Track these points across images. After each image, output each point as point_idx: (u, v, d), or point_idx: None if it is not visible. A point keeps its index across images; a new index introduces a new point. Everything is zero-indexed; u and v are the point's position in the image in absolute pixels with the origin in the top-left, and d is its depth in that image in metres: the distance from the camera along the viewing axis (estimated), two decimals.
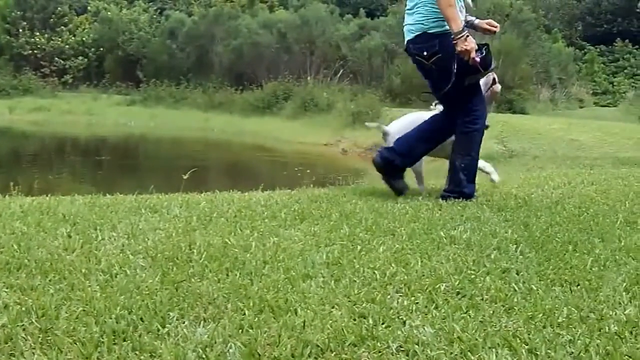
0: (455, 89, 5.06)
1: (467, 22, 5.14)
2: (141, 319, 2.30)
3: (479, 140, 5.23)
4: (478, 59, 4.93)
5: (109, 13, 39.80)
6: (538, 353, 2.09)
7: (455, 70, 4.98)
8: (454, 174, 5.22)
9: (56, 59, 38.64)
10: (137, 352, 2.04)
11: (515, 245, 3.52)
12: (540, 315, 2.44)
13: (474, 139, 5.20)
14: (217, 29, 36.40)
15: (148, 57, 37.88)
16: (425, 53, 5.12)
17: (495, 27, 5.23)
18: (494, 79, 5.41)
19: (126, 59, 38.43)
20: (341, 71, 32.35)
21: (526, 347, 2.14)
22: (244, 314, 2.38)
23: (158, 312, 2.36)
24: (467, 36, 4.90)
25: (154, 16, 41.23)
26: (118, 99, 33.92)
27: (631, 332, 2.29)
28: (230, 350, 2.05)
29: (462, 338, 2.19)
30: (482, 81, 5.28)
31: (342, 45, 34.65)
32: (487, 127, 5.27)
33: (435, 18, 5.04)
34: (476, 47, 4.91)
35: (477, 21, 5.33)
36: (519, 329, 2.30)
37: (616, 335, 2.25)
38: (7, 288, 2.60)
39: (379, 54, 33.79)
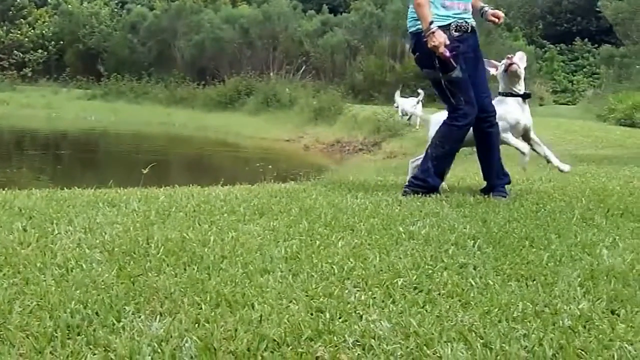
0: (437, 85, 5.20)
1: (480, 8, 5.34)
2: (96, 313, 2.28)
3: (456, 137, 5.28)
4: (448, 54, 4.97)
5: (69, 6, 39.35)
6: (492, 347, 2.11)
7: (437, 66, 5.06)
8: (424, 161, 5.32)
9: (15, 52, 38.12)
10: (91, 347, 2.02)
11: (473, 241, 3.55)
12: (496, 309, 2.46)
13: (452, 135, 5.26)
14: (179, 24, 36.16)
15: (109, 51, 37.54)
16: (411, 51, 5.43)
17: (499, 17, 5.27)
18: (510, 61, 5.51)
19: (87, 53, 38.03)
20: (304, 67, 32.33)
21: (481, 341, 2.16)
22: (201, 308, 2.37)
23: (114, 306, 2.34)
24: (434, 32, 4.94)
25: (115, 10, 40.86)
26: (78, 93, 33.59)
27: (584, 326, 2.32)
28: (186, 345, 2.04)
29: (418, 332, 2.20)
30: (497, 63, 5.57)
31: (304, 41, 34.63)
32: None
33: (411, 17, 5.20)
34: (447, 42, 4.95)
35: (487, 10, 5.41)
36: (475, 323, 2.32)
37: (570, 329, 2.27)
38: None
39: (341, 50, 33.81)
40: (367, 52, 33.17)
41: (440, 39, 4.92)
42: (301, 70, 31.99)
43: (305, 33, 35.22)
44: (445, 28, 5.04)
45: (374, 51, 33.12)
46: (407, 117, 18.49)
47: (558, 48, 39.65)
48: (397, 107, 19.37)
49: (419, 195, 5.03)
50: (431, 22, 4.95)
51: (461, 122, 5.21)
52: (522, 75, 5.52)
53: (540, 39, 40.43)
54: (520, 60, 5.52)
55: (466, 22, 5.18)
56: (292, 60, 33.01)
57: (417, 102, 19.15)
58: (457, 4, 5.15)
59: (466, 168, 7.76)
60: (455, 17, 5.12)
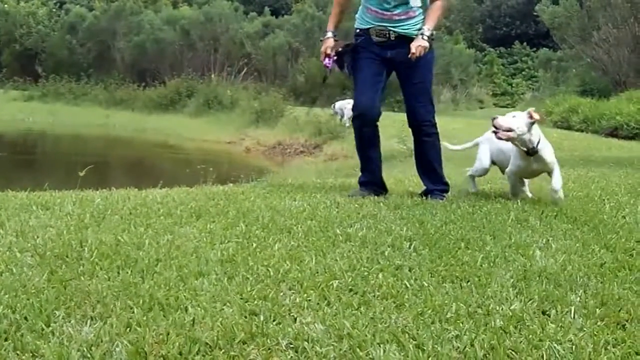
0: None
1: (419, 29, 5.30)
2: (25, 317, 2.24)
3: (355, 131, 5.57)
4: (325, 61, 5.44)
5: (5, 5, 38.56)
6: (425, 348, 2.12)
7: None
8: None
9: None
10: (18, 352, 1.98)
11: (409, 243, 3.57)
12: (430, 311, 2.48)
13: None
14: (119, 25, 35.70)
15: (47, 52, 36.89)
16: None
17: (413, 53, 5.19)
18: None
19: (24, 54, 37.32)
20: (245, 69, 32.21)
21: (414, 342, 2.17)
22: (133, 312, 2.35)
23: (43, 311, 2.30)
24: (323, 39, 5.48)
25: (54, 10, 40.16)
26: (15, 94, 32.93)
27: (516, 327, 2.35)
28: (117, 349, 2.02)
29: (352, 334, 2.21)
30: None
31: (246, 43, 34.49)
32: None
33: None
34: (327, 50, 5.41)
35: (418, 36, 5.28)
36: (408, 325, 2.33)
37: (501, 330, 2.30)
38: None
39: (283, 52, 33.77)
40: (309, 54, 33.18)
41: (322, 47, 5.43)
42: (242, 72, 31.86)
43: (247, 35, 35.09)
44: (365, 32, 5.34)
45: (316, 53, 33.12)
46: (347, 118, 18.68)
47: (498, 51, 40.18)
48: (336, 112, 19.54)
49: (355, 198, 5.07)
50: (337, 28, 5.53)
51: (353, 116, 5.57)
52: (524, 136, 5.01)
53: (480, 42, 40.92)
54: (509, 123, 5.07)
55: (388, 30, 5.27)
56: (233, 62, 32.86)
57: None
58: (380, 12, 5.27)
59: (404, 170, 7.82)
60: (375, 24, 5.29)
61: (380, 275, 2.92)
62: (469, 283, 2.88)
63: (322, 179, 7.08)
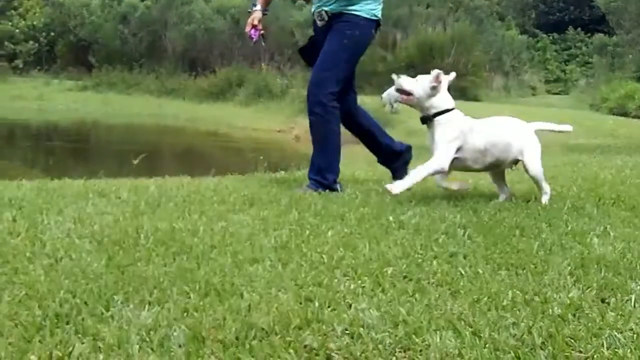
0: None
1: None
2: (85, 302, 2.27)
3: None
4: (253, 32, 5.39)
5: None
6: (482, 335, 2.11)
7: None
8: None
9: (6, 43, 37.87)
10: (79, 336, 2.01)
11: (463, 230, 3.55)
12: (486, 298, 2.46)
13: None
14: (170, 14, 35.98)
15: (100, 43, 37.30)
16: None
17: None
18: None
19: (78, 44, 37.80)
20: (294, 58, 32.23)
21: (470, 329, 2.16)
22: (190, 297, 2.37)
23: (102, 295, 2.34)
24: (249, 10, 5.45)
25: (106, 1, 40.62)
26: (70, 84, 33.38)
27: (574, 315, 2.32)
28: (175, 333, 2.04)
29: (407, 321, 2.20)
30: None
31: (295, 32, 34.53)
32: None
33: None
34: (254, 21, 5.35)
35: None
36: (464, 312, 2.32)
37: (559, 318, 2.27)
38: None
39: None
40: None
41: (249, 19, 5.39)
42: (292, 61, 31.88)
43: (296, 23, 35.11)
44: (313, 17, 5.23)
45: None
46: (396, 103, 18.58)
47: (551, 37, 39.62)
48: (385, 100, 19.46)
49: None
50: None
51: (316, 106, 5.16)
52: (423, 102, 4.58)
53: (533, 28, 40.36)
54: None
55: (325, 11, 5.11)
56: (283, 51, 32.94)
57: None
58: None
59: None
60: (315, 6, 5.19)
61: (434, 263, 2.90)
62: (524, 271, 2.85)
63: (374, 167, 7.05)
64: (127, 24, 36.97)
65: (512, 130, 4.61)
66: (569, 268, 2.88)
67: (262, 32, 5.40)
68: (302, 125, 21.72)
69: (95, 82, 33.01)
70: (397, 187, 4.32)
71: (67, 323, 2.10)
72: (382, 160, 5.49)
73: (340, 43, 5.05)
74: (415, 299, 2.44)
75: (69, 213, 3.69)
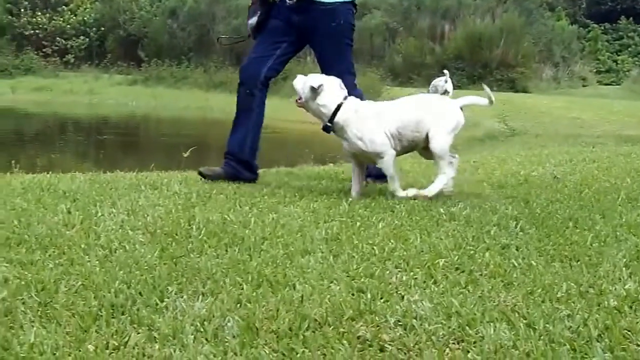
0: None
1: None
2: (140, 293, 2.30)
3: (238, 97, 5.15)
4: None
5: None
6: (536, 327, 2.08)
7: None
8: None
9: (58, 38, 38.48)
10: (135, 326, 2.04)
11: (515, 222, 3.52)
12: (539, 290, 2.43)
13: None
14: (217, 8, 36.26)
15: (149, 37, 37.74)
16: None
17: None
18: None
19: (127, 39, 38.28)
20: None
21: (524, 321, 2.14)
22: (242, 288, 2.38)
23: (156, 286, 2.36)
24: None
25: None
26: (119, 78, 33.83)
27: (631, 307, 2.28)
28: (229, 324, 2.05)
29: (460, 312, 2.19)
30: None
31: None
32: None
33: None
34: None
35: None
36: (518, 303, 2.29)
37: (615, 310, 2.24)
38: (7, 263, 2.61)
39: (379, 32, 33.65)
40: (406, 34, 32.98)
41: None
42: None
43: None
44: None
45: (413, 33, 32.94)
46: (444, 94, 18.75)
47: (602, 27, 39.05)
48: (435, 92, 19.50)
49: (458, 177, 5.00)
50: None
51: (241, 79, 5.12)
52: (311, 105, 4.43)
53: (584, 19, 39.83)
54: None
55: None
56: None
57: (445, 81, 19.28)
58: None
59: (507, 149, 7.70)
60: None
61: (486, 254, 2.88)
62: (579, 262, 2.82)
63: (418, 159, 7.02)
64: (175, 18, 37.32)
65: (421, 108, 4.33)
66: (624, 260, 2.83)
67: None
68: None
69: (144, 76, 33.38)
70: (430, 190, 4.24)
71: (123, 313, 2.13)
72: None
73: (338, 43, 4.93)
74: (468, 291, 2.42)
75: (122, 205, 3.74)
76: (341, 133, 4.26)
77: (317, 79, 4.31)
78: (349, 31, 4.93)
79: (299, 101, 4.38)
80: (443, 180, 4.23)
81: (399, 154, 4.36)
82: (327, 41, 4.83)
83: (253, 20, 5.07)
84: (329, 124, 4.28)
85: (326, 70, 4.81)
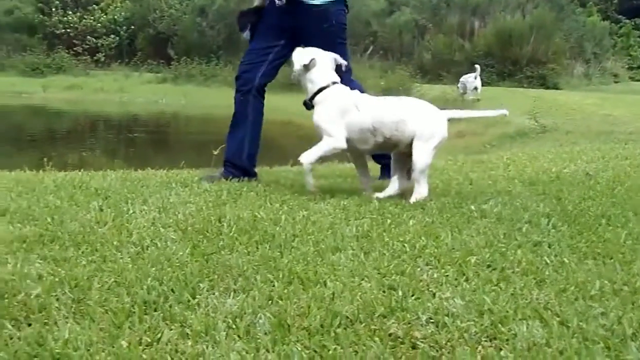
0: None
1: None
2: (172, 290, 2.31)
3: (236, 103, 5.09)
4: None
5: None
6: (570, 325, 2.07)
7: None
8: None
9: (88, 37, 38.73)
10: (167, 322, 2.05)
11: (547, 219, 3.49)
12: (572, 288, 2.42)
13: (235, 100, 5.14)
14: (246, 6, 36.26)
15: (179, 35, 37.85)
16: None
17: None
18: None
19: (157, 37, 38.44)
20: (371, 47, 32.20)
21: (557, 319, 2.12)
22: (274, 285, 2.39)
23: (188, 283, 2.37)
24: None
25: None
26: (149, 76, 33.99)
27: None
28: (260, 321, 2.06)
29: (492, 310, 2.18)
30: None
31: (371, 22, 34.44)
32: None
33: None
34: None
35: None
36: (551, 301, 2.28)
37: None
38: (41, 259, 2.63)
39: (409, 29, 33.56)
40: (436, 31, 32.87)
41: None
42: (368, 51, 31.87)
43: (372, 13, 35.01)
44: None
45: (443, 30, 32.82)
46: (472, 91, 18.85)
47: (634, 23, 38.59)
48: (465, 88, 19.50)
49: (488, 174, 4.98)
50: None
51: (237, 86, 5.06)
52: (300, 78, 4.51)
53: (616, 14, 39.39)
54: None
55: None
56: (359, 41, 32.89)
57: (475, 77, 19.30)
58: None
59: (538, 147, 7.65)
60: None
61: (518, 252, 2.87)
62: (612, 260, 2.79)
63: (453, 156, 7.00)
64: (205, 16, 37.43)
65: (407, 108, 4.22)
66: None
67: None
68: None
69: (173, 75, 33.51)
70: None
71: (155, 310, 2.14)
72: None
73: (331, 44, 4.73)
74: (500, 288, 2.41)
75: (153, 202, 3.76)
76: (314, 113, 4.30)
77: (310, 53, 4.33)
78: (341, 31, 4.85)
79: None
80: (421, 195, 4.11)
81: (372, 151, 4.35)
82: (319, 42, 4.69)
83: (247, 34, 5.12)
84: (309, 101, 4.34)
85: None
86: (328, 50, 4.52)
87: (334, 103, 4.24)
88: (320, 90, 4.30)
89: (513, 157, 6.80)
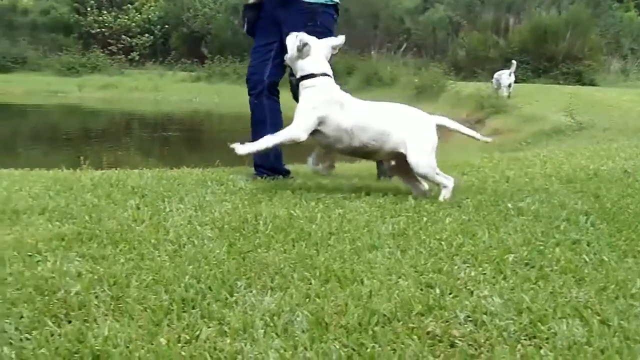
0: None
1: None
2: (209, 287, 2.32)
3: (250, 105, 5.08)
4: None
5: None
6: (610, 324, 2.05)
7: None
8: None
9: (123, 36, 39.05)
10: (205, 320, 2.06)
11: (585, 217, 3.45)
12: (612, 286, 2.39)
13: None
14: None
15: (212, 34, 38.04)
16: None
17: None
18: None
19: (191, 36, 38.65)
20: (405, 45, 32.10)
21: (598, 317, 2.10)
22: (311, 283, 2.39)
23: (226, 281, 2.38)
24: None
25: None
26: (183, 75, 34.17)
27: None
28: (298, 319, 2.06)
29: (531, 308, 2.16)
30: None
31: (405, 19, 34.35)
32: None
33: None
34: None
35: None
36: (590, 299, 2.26)
37: None
38: (79, 257, 2.66)
39: (443, 26, 33.40)
40: (470, 27, 32.68)
41: None
42: (402, 48, 31.77)
43: (406, 10, 34.90)
44: None
45: (477, 27, 32.63)
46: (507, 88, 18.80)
47: None
48: (499, 84, 19.40)
49: (525, 172, 4.94)
50: None
51: (248, 90, 5.05)
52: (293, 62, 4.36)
53: None
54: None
55: None
56: (392, 38, 32.82)
57: (510, 74, 19.17)
58: None
59: (574, 144, 7.58)
60: None
61: (557, 250, 2.84)
62: None
63: (489, 154, 6.96)
64: (238, 15, 37.45)
65: (393, 119, 4.15)
66: None
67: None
68: None
69: (207, 73, 33.65)
70: (244, 148, 4.07)
71: (193, 308, 2.15)
72: None
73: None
74: (539, 287, 2.39)
75: (189, 201, 3.78)
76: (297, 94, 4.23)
77: (304, 39, 4.23)
78: (324, 35, 4.61)
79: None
80: (449, 188, 4.09)
81: (343, 151, 4.29)
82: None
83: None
84: (294, 77, 4.28)
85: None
86: None
87: (319, 94, 4.15)
88: (310, 76, 4.20)
89: (550, 154, 6.74)
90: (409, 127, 4.09)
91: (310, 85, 4.18)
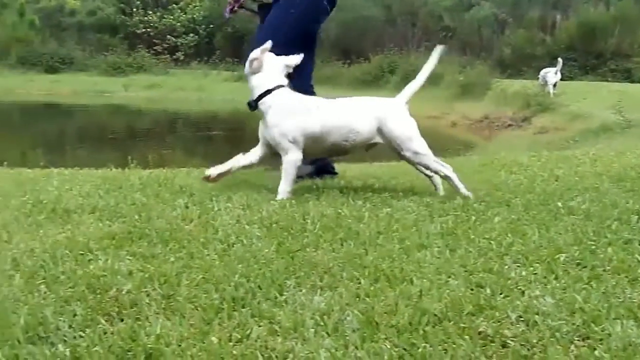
0: None
1: None
2: (259, 286, 2.33)
3: None
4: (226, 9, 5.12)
5: None
6: None
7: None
8: None
9: (168, 36, 39.44)
10: (256, 319, 2.07)
11: (637, 216, 3.39)
12: None
13: None
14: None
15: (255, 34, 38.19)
16: None
17: None
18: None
19: (235, 36, 38.87)
20: (447, 43, 31.93)
21: None
22: (360, 282, 2.39)
23: (275, 280, 2.39)
24: None
25: None
26: (227, 75, 34.37)
27: None
28: (348, 318, 2.06)
29: (584, 309, 2.13)
30: None
31: (444, 16, 34.16)
32: None
33: None
34: None
35: None
36: None
37: None
38: (130, 256, 2.68)
39: (488, 24, 33.16)
40: (516, 25, 32.40)
41: None
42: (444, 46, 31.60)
43: (445, 7, 34.71)
44: None
45: (523, 24, 32.34)
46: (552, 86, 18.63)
47: None
48: (545, 82, 19.20)
49: (575, 170, 4.88)
50: None
51: None
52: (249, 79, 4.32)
53: None
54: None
55: None
56: (430, 37, 32.64)
57: (556, 72, 18.97)
58: None
59: (624, 142, 7.47)
60: None
61: (609, 249, 2.79)
62: None
63: (536, 152, 6.89)
64: None
65: (360, 112, 4.09)
66: None
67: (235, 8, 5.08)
68: (458, 111, 21.54)
69: None
70: (279, 195, 3.98)
71: (244, 306, 2.16)
72: None
73: (284, 16, 4.73)
74: (591, 287, 2.35)
75: (237, 200, 3.79)
76: (262, 117, 4.19)
77: (253, 54, 4.19)
78: (301, 21, 4.70)
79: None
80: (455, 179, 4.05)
81: (322, 153, 4.29)
82: (274, 21, 4.72)
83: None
84: (252, 103, 4.21)
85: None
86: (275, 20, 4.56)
87: (285, 107, 4.09)
88: (265, 93, 4.14)
89: (599, 152, 6.66)
90: (382, 116, 4.06)
91: (271, 102, 4.12)
